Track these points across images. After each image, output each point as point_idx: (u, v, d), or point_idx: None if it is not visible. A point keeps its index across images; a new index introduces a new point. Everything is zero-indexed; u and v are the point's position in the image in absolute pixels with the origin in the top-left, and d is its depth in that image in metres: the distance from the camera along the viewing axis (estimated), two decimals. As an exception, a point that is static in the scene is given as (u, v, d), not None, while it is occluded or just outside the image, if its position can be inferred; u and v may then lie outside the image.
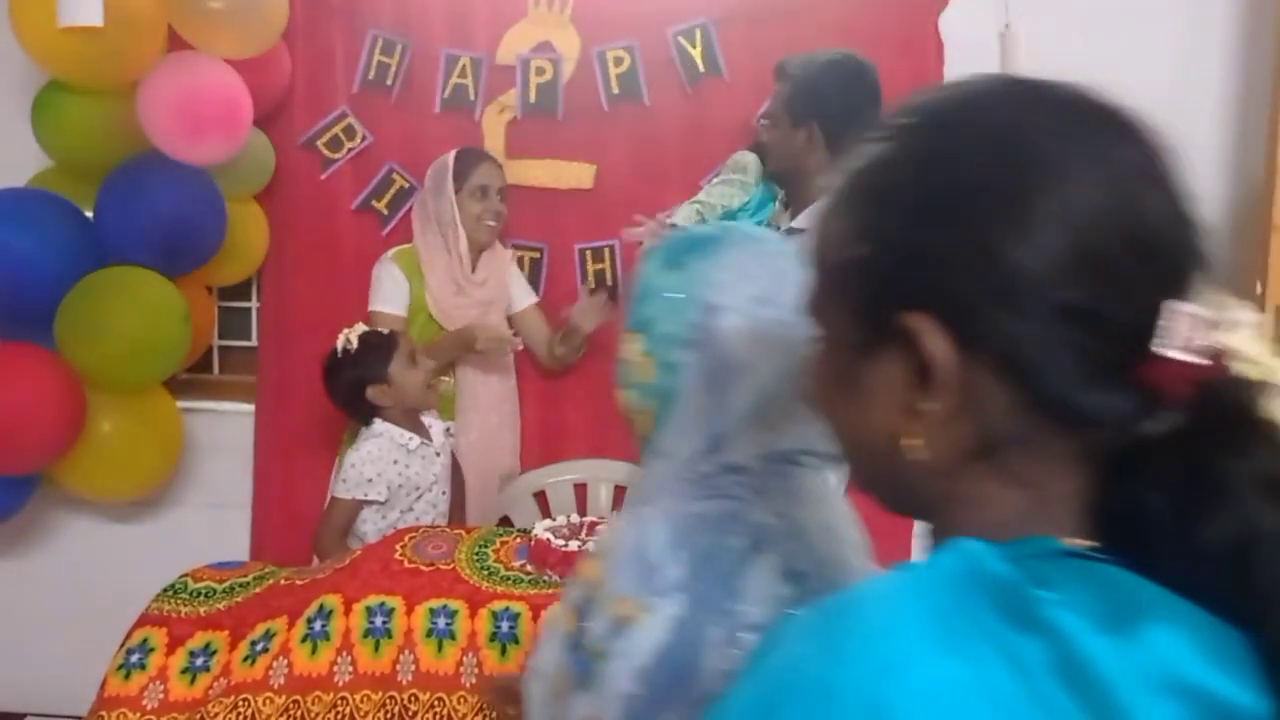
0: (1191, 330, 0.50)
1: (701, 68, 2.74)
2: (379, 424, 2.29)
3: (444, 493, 2.38)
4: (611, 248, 2.79)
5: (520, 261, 2.78)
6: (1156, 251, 0.52)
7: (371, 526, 2.26)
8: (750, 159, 2.48)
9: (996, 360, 0.51)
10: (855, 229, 0.56)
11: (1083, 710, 0.44)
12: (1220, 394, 0.51)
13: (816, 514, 0.94)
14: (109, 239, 2.44)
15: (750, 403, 0.93)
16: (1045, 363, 0.51)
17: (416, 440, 2.30)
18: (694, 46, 2.73)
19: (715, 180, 2.54)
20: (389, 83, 2.77)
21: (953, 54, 2.72)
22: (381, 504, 2.26)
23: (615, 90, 2.76)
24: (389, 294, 2.53)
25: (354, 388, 2.26)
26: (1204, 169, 2.92)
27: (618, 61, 2.76)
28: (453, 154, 2.56)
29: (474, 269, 2.58)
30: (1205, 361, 0.50)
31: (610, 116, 2.76)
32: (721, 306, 0.94)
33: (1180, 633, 0.47)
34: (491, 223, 2.55)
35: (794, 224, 2.22)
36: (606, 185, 2.79)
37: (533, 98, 2.77)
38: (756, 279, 0.94)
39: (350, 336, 2.28)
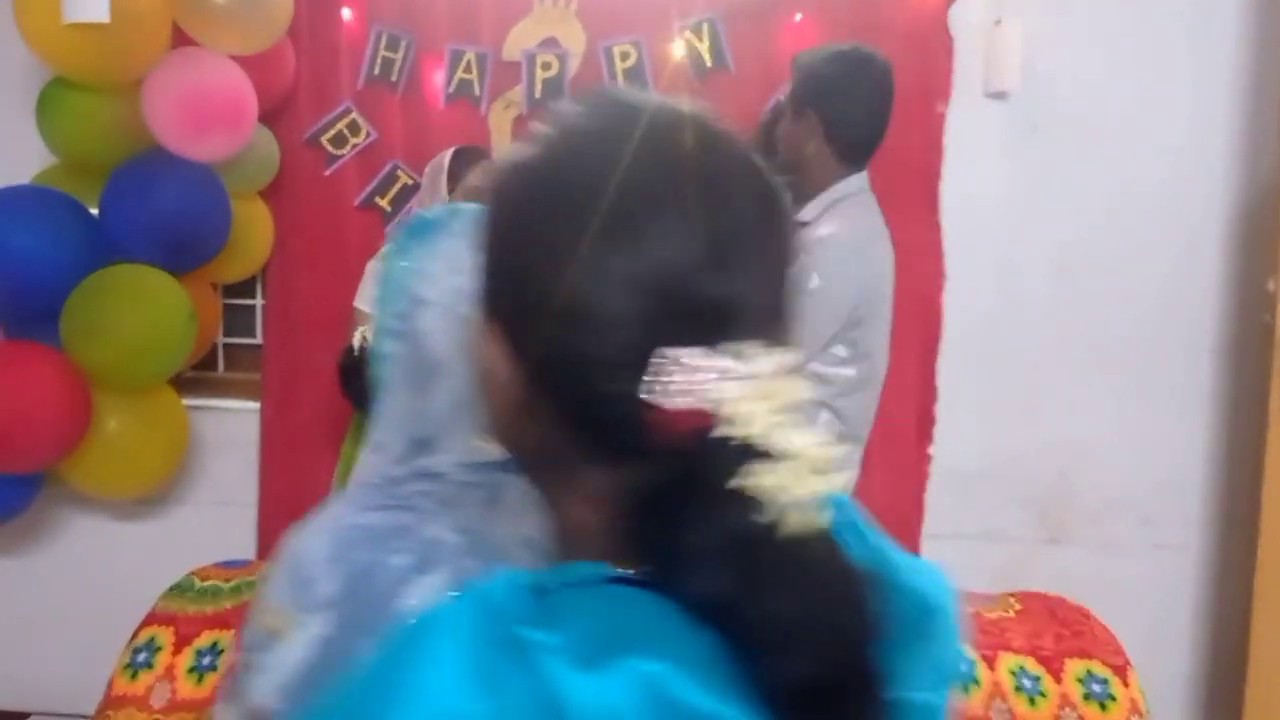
0: (686, 382, 0.51)
1: (709, 62, 2.72)
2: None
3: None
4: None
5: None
6: (696, 309, 0.53)
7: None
8: None
9: (545, 380, 0.56)
10: (481, 232, 0.61)
11: None
12: (705, 451, 0.51)
13: (520, 527, 0.86)
14: (114, 237, 2.43)
15: (452, 406, 0.87)
16: (575, 390, 0.55)
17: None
18: (701, 41, 2.72)
19: None
20: (394, 78, 2.76)
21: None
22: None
23: (622, 85, 2.73)
24: (371, 294, 2.53)
25: (371, 385, 2.25)
26: (1215, 168, 2.94)
27: (624, 57, 2.74)
28: (449, 152, 2.54)
29: None
30: (693, 411, 0.51)
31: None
32: (425, 300, 0.88)
33: (673, 661, 0.48)
34: None
35: (796, 219, 2.19)
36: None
37: (539, 93, 2.76)
38: (466, 272, 0.87)
39: (366, 334, 2.27)
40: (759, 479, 0.50)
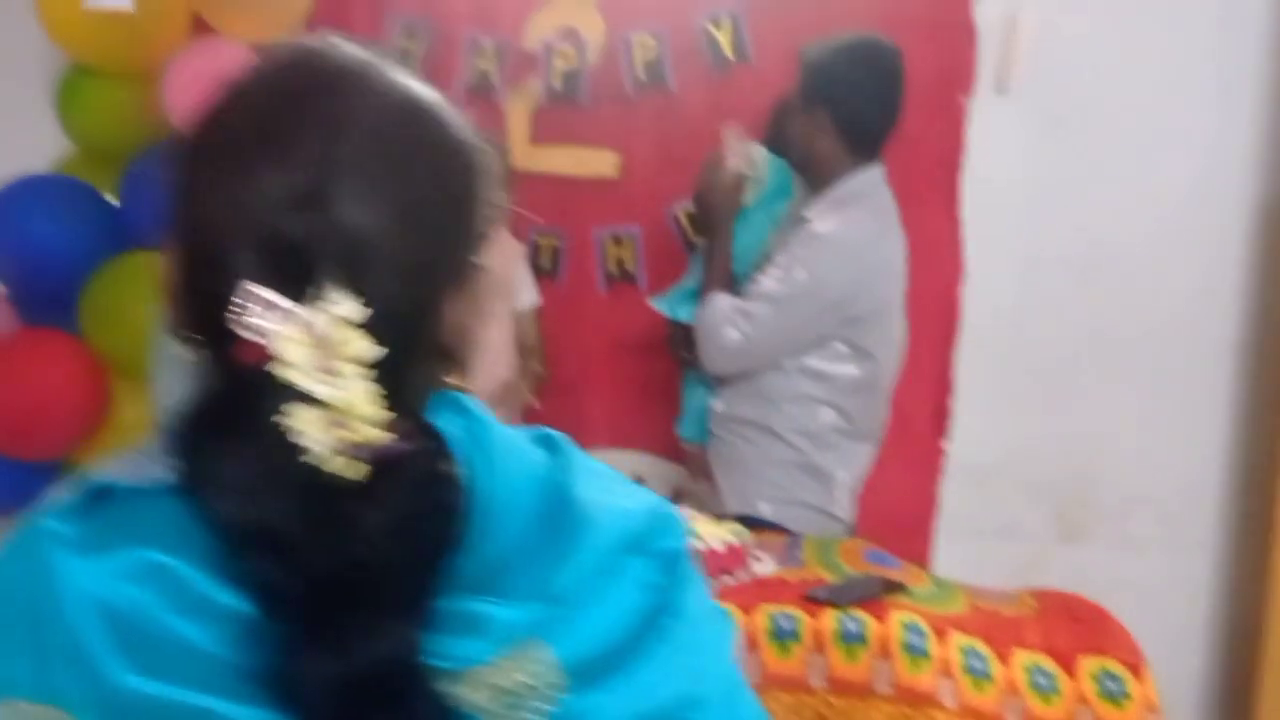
0: (256, 316, 0.56)
1: (729, 55, 2.71)
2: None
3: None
4: (634, 235, 2.77)
5: (540, 249, 2.77)
6: (277, 246, 0.57)
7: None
8: (758, 154, 2.44)
9: (183, 290, 0.62)
10: None
11: (49, 613, 0.55)
12: (254, 384, 0.56)
13: None
14: (133, 224, 2.44)
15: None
16: (188, 306, 0.61)
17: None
18: (722, 33, 2.70)
19: None
20: (412, 69, 2.75)
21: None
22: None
23: (641, 77, 2.73)
24: None
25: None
26: (1241, 163, 2.90)
27: (643, 47, 2.73)
28: None
29: None
30: (253, 345, 0.56)
31: (636, 103, 2.74)
32: None
33: (182, 556, 0.56)
34: None
35: (803, 214, 2.17)
36: (631, 173, 2.76)
37: (557, 84, 2.75)
38: None
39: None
40: (292, 420, 0.55)
